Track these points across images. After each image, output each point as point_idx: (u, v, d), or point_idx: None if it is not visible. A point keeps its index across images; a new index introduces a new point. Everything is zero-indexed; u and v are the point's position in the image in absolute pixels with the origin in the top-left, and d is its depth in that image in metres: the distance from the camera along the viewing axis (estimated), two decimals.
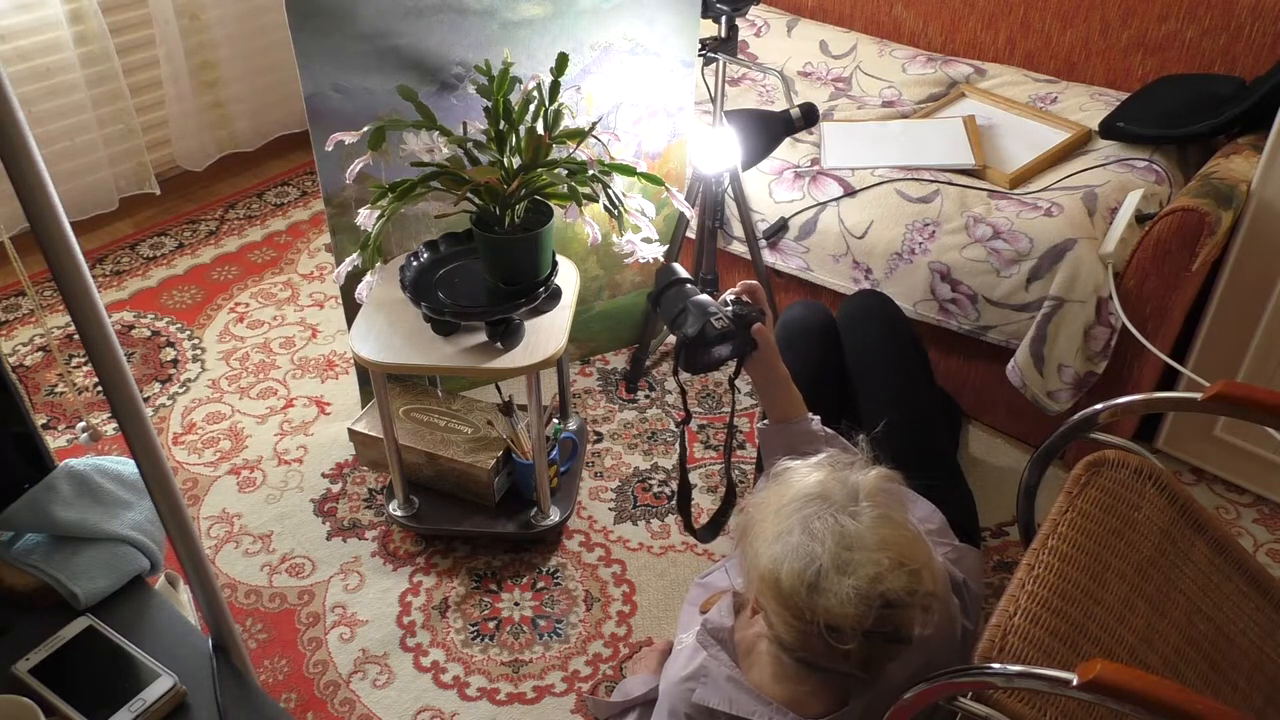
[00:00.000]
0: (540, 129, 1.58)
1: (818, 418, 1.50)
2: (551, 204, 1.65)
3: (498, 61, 1.61)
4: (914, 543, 1.15)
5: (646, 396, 2.24)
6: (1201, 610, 1.28)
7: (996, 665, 1.09)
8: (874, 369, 1.76)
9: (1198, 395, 1.29)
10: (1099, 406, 1.42)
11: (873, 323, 1.80)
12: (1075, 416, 1.44)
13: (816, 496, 1.17)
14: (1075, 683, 0.96)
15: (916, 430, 1.69)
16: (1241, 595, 1.33)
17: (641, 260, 1.68)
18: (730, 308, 1.44)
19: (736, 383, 1.46)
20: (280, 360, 2.36)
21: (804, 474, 1.22)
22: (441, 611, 1.78)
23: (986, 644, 1.14)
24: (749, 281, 1.50)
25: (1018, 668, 1.07)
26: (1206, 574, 1.32)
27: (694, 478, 2.04)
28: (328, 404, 2.24)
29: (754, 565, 1.19)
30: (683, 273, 1.52)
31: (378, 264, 1.62)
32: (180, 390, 2.27)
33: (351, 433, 2.00)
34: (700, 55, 1.98)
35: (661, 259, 1.75)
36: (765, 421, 1.52)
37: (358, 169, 1.60)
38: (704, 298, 1.46)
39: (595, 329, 2.32)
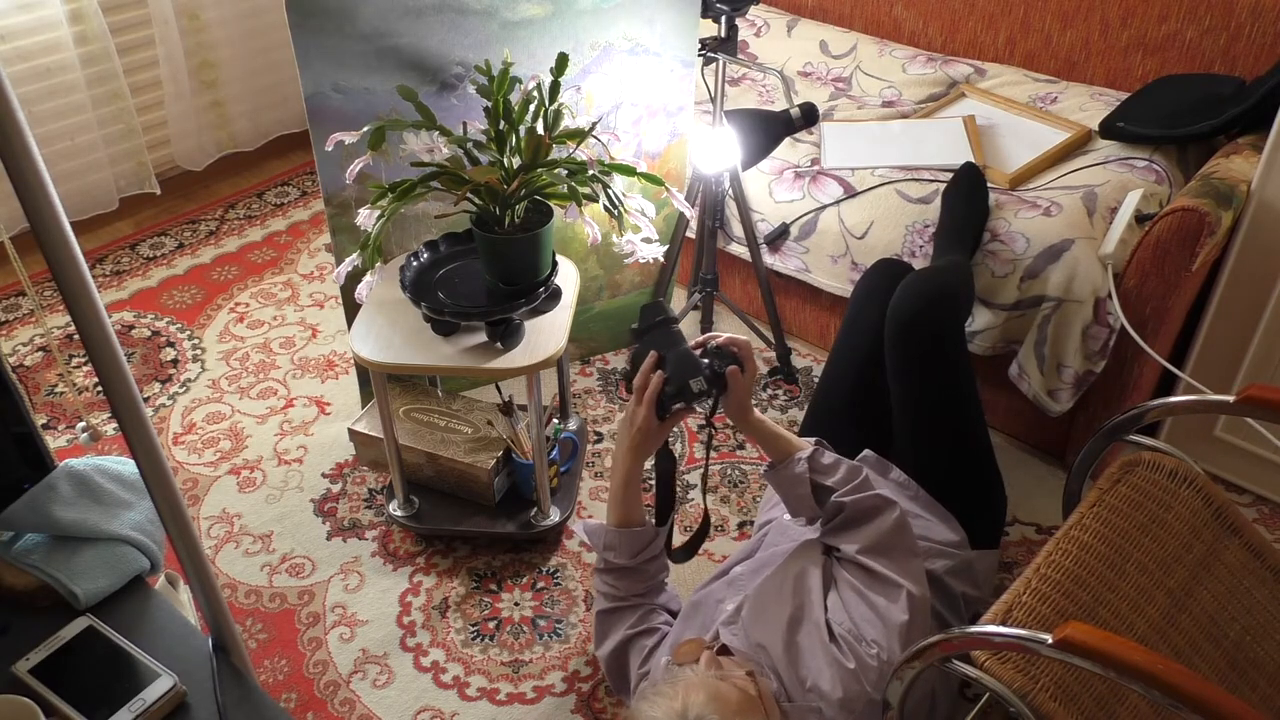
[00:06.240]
0: (540, 129, 1.58)
1: (809, 450, 1.42)
2: (551, 204, 1.65)
3: (498, 61, 1.61)
4: None
5: None
6: (1228, 610, 1.28)
7: (977, 627, 1.11)
8: (910, 375, 1.64)
9: (1229, 398, 1.29)
10: (1134, 410, 1.41)
11: (917, 333, 1.63)
12: (1110, 422, 1.42)
13: None
14: (1050, 641, 0.99)
15: (959, 437, 1.64)
16: (1277, 601, 1.32)
17: (641, 260, 1.68)
18: (708, 360, 1.41)
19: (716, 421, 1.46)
20: (280, 360, 2.36)
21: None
22: (441, 611, 1.78)
23: (991, 614, 1.16)
24: (738, 337, 1.44)
25: (996, 628, 1.10)
26: (1239, 577, 1.31)
27: (693, 478, 2.04)
28: (328, 404, 2.24)
29: None
30: (670, 313, 1.47)
31: (378, 264, 1.61)
32: (180, 390, 2.27)
33: (351, 433, 2.00)
34: (700, 55, 1.98)
35: (662, 259, 1.75)
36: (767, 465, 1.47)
37: (358, 169, 1.60)
38: (686, 350, 1.41)
39: (595, 329, 2.32)
